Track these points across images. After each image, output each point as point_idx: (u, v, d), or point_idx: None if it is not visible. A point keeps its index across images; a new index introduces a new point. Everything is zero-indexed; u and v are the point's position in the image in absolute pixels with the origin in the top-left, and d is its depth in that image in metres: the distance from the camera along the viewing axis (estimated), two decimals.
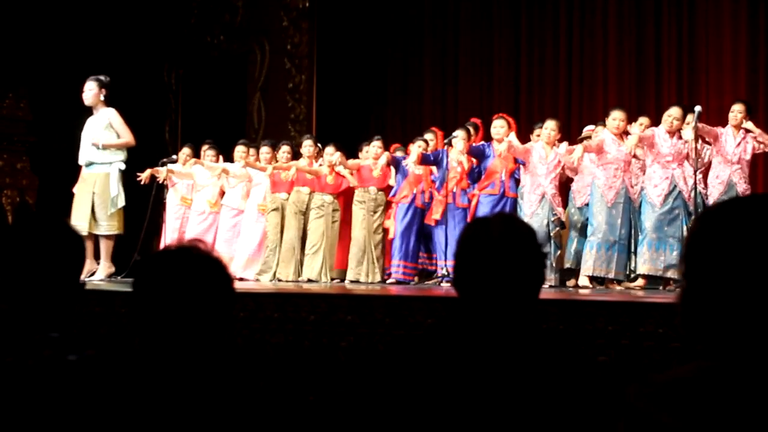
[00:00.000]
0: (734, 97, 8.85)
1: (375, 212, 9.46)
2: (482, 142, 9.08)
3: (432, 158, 9.03)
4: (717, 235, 1.38)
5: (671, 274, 7.84)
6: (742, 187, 7.96)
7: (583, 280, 8.22)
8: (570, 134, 8.93)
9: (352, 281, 9.30)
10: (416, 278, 9.29)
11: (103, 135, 8.55)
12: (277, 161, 10.00)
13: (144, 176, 9.76)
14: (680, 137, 8.09)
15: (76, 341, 2.06)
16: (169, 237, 9.99)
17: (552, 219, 8.38)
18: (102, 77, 8.67)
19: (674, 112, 8.10)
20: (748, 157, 8.04)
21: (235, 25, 12.88)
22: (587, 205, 8.40)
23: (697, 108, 7.85)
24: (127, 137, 8.59)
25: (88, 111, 8.75)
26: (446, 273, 8.56)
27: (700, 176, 8.01)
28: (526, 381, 1.97)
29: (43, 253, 2.11)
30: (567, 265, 8.52)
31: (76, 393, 1.91)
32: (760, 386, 1.31)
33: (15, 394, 1.95)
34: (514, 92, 11.76)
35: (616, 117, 8.27)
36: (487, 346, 2.03)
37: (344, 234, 9.67)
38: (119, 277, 8.77)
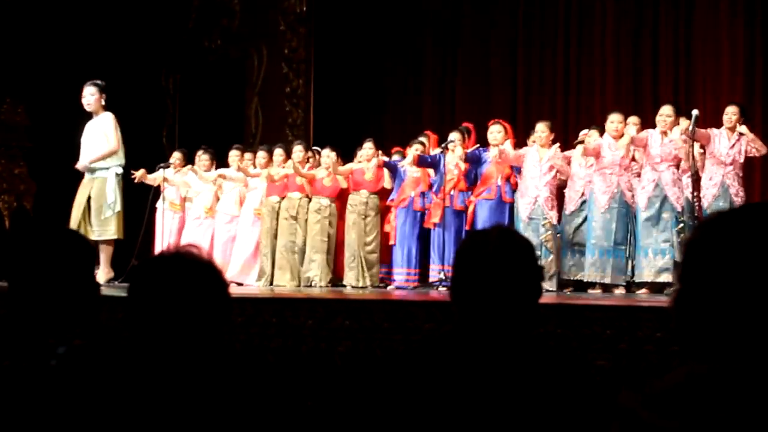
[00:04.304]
0: (731, 101, 8.84)
1: (366, 216, 9.37)
2: (478, 147, 9.03)
3: (429, 160, 8.98)
4: (715, 244, 1.40)
5: (665, 278, 7.82)
6: (734, 188, 7.93)
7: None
8: (567, 138, 8.93)
9: (350, 287, 9.24)
10: (417, 284, 9.17)
11: (97, 146, 8.57)
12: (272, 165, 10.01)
13: (138, 174, 9.74)
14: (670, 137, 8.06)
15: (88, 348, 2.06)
16: (161, 243, 9.97)
17: (543, 223, 8.34)
18: (99, 81, 8.67)
19: (665, 110, 8.11)
20: (741, 158, 8.02)
21: (232, 29, 12.88)
22: (576, 210, 8.40)
23: (695, 112, 7.85)
24: (110, 145, 8.55)
25: (86, 115, 8.75)
26: (443, 277, 8.52)
27: (688, 180, 8.01)
28: (523, 392, 1.97)
29: (49, 260, 2.13)
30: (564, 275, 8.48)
31: (64, 390, 1.92)
32: (753, 389, 1.32)
33: (7, 392, 1.96)
34: (512, 97, 11.77)
35: (614, 120, 8.28)
36: (483, 358, 2.03)
37: (340, 239, 9.62)
38: (117, 282, 8.77)
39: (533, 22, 11.71)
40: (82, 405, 1.88)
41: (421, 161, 8.92)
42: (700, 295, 1.40)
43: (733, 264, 1.37)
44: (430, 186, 9.13)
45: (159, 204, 10.21)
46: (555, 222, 8.35)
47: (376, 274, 9.35)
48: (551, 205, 8.37)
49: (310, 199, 9.70)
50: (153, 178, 10.00)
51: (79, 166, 8.75)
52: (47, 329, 2.10)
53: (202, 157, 10.23)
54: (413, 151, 9.08)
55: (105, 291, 7.53)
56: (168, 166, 10.20)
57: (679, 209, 7.95)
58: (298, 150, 9.86)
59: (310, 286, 9.39)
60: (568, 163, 8.57)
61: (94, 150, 8.65)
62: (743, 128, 8.01)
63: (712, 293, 1.38)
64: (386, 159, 9.43)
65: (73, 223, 8.45)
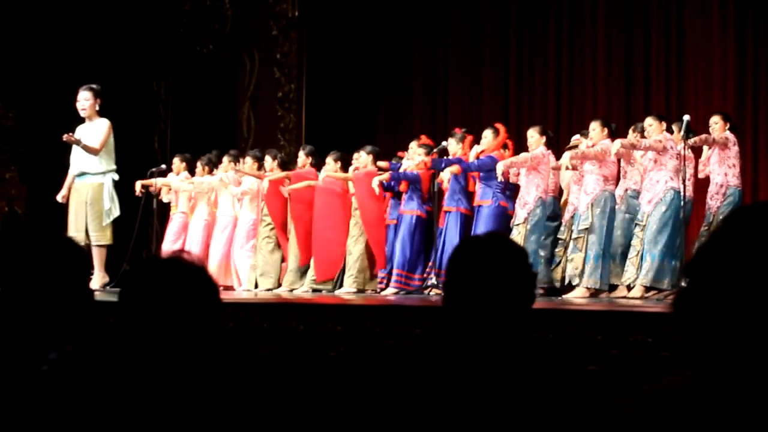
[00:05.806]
0: (722, 109, 8.88)
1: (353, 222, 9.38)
2: (444, 158, 8.92)
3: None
4: (726, 246, 1.37)
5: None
6: (709, 194, 8.13)
7: (580, 291, 8.19)
8: (559, 144, 8.93)
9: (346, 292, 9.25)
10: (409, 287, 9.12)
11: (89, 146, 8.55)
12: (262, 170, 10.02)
13: (138, 189, 9.85)
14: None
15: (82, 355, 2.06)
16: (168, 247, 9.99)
17: (516, 223, 8.36)
18: (95, 86, 8.65)
19: (646, 121, 8.20)
20: (723, 162, 8.10)
21: (224, 34, 12.88)
22: (572, 217, 8.46)
23: (686, 117, 7.87)
24: (95, 143, 8.50)
25: (79, 120, 8.73)
26: (435, 282, 8.50)
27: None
28: (515, 397, 1.98)
29: (40, 265, 2.12)
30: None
31: (55, 395, 1.91)
32: (748, 395, 1.32)
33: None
34: (503, 103, 11.78)
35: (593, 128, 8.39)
36: (476, 363, 2.03)
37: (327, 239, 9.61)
38: (109, 287, 8.75)
39: (524, 28, 11.74)
40: (74, 410, 1.87)
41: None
42: (705, 299, 1.37)
43: (742, 268, 1.34)
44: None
45: (178, 211, 10.23)
46: (521, 221, 8.30)
47: (367, 279, 9.32)
48: (523, 203, 8.37)
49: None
50: (152, 182, 10.03)
51: (74, 137, 8.51)
52: (39, 335, 2.09)
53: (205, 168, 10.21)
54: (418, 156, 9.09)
55: (97, 296, 7.52)
56: (162, 171, 10.20)
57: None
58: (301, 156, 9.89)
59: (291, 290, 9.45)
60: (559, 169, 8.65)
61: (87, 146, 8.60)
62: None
63: (719, 297, 1.35)
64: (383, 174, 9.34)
65: (75, 230, 8.39)
